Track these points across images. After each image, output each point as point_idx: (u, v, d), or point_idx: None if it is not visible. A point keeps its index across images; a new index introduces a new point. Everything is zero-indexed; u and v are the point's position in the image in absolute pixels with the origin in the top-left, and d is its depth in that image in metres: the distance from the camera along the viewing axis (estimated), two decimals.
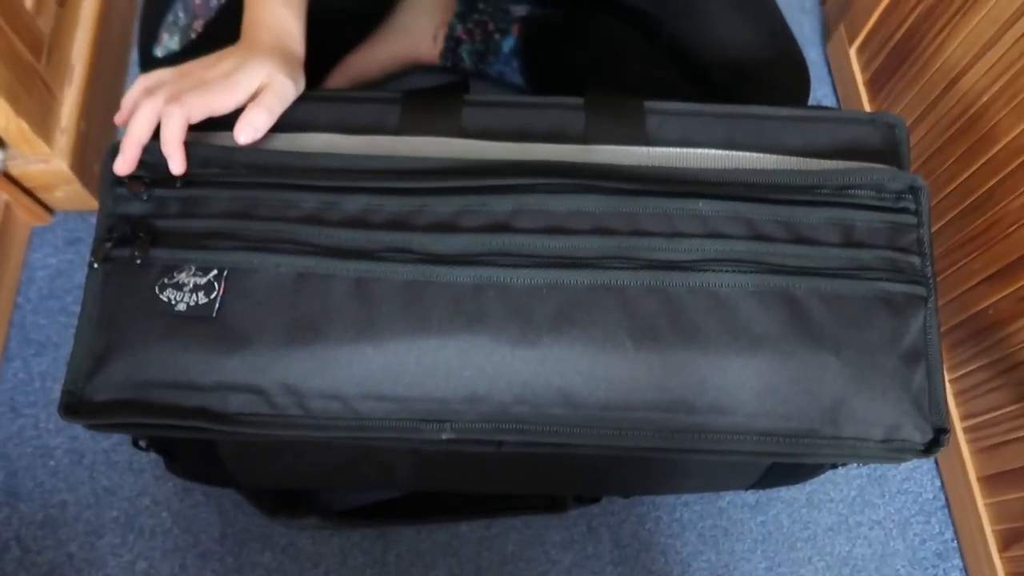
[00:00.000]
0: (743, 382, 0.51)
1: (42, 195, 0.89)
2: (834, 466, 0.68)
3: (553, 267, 0.52)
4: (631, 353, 0.51)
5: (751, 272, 0.53)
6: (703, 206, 0.54)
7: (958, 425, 0.86)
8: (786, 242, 0.54)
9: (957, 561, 0.84)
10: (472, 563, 0.80)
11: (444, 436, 0.52)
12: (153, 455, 0.81)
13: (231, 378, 0.50)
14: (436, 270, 0.51)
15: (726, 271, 0.53)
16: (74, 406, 0.51)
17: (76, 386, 0.51)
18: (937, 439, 0.54)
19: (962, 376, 0.85)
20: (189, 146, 0.53)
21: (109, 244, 0.52)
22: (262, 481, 0.68)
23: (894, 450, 0.53)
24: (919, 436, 0.53)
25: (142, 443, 0.60)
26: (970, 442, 0.85)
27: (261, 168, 0.54)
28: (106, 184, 0.54)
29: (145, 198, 0.54)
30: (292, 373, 0.50)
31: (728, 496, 0.84)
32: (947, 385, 0.55)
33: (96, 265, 0.53)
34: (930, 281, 0.55)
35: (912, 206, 0.56)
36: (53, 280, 0.89)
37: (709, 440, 0.52)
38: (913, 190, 0.56)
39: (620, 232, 0.53)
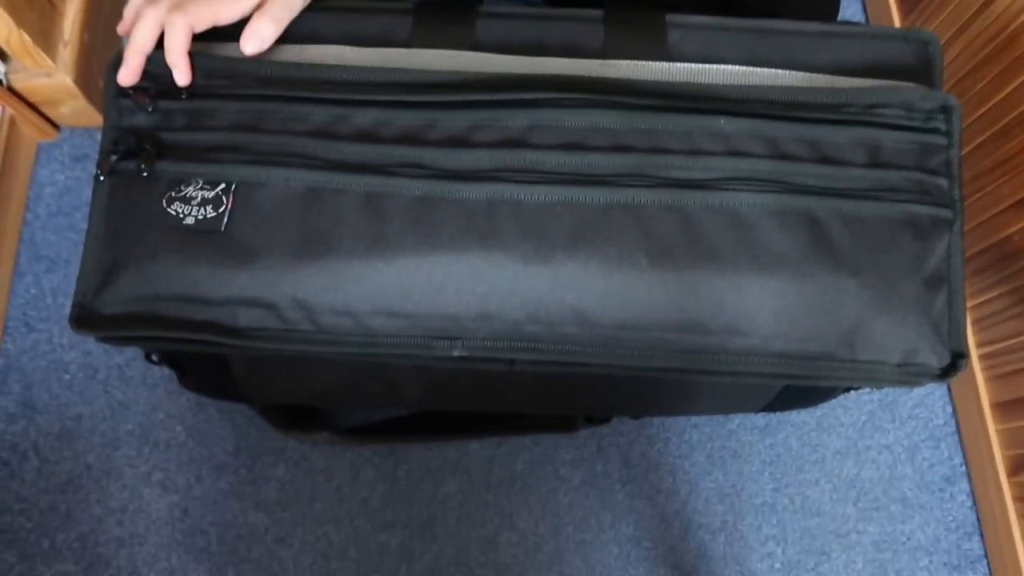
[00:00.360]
0: (760, 304, 0.50)
1: (47, 110, 0.88)
2: (847, 390, 0.67)
3: (568, 184, 0.51)
4: (647, 272, 0.50)
5: (772, 192, 0.51)
6: (725, 123, 0.52)
7: (974, 352, 0.85)
8: (810, 161, 0.52)
9: (964, 485, 0.85)
10: (482, 480, 0.81)
11: (456, 354, 0.51)
12: (166, 370, 0.81)
13: (240, 293, 0.50)
14: (448, 186, 0.50)
15: (746, 190, 0.51)
16: (84, 319, 0.51)
17: (86, 299, 0.51)
18: (954, 363, 0.53)
19: (981, 303, 0.84)
20: (194, 57, 0.52)
21: (115, 157, 0.52)
22: (273, 396, 0.68)
23: (910, 374, 0.53)
24: (936, 360, 0.53)
25: (154, 357, 0.60)
26: (985, 369, 0.84)
27: (268, 80, 0.52)
28: (110, 96, 0.53)
29: (150, 110, 0.53)
30: (302, 288, 0.50)
31: (738, 419, 0.85)
32: (966, 312, 0.54)
33: (102, 178, 0.52)
34: (957, 204, 0.53)
35: (943, 126, 0.54)
36: (61, 197, 0.88)
37: (723, 362, 0.51)
38: (945, 110, 0.53)
39: (638, 149, 0.52)
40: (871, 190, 0.52)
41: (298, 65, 0.53)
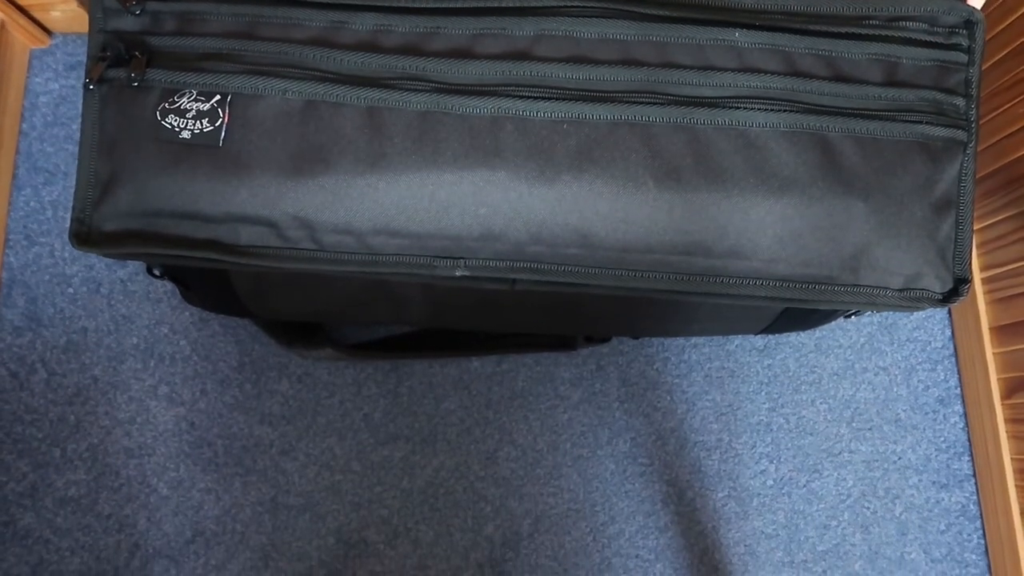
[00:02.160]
0: (766, 227, 0.50)
1: (38, 14, 0.85)
2: (848, 315, 0.68)
3: (575, 100, 0.49)
4: (652, 193, 0.49)
5: (784, 111, 0.50)
6: (739, 36, 0.50)
7: (977, 276, 0.85)
8: (824, 79, 0.51)
9: (958, 407, 0.86)
10: (482, 397, 0.82)
11: (458, 273, 0.51)
12: (169, 285, 0.82)
13: (241, 210, 0.49)
14: (451, 100, 0.49)
15: (758, 109, 0.50)
16: (84, 235, 0.51)
17: (84, 214, 0.51)
18: (956, 289, 0.52)
19: (988, 226, 0.83)
20: None
21: (103, 64, 0.50)
22: (276, 313, 0.69)
23: (911, 299, 0.52)
24: (939, 286, 0.52)
25: (156, 271, 0.60)
26: (988, 292, 0.84)
27: None
28: None
29: (137, 12, 0.50)
30: (303, 206, 0.49)
31: (736, 340, 0.85)
32: (973, 236, 0.53)
33: (92, 87, 0.50)
34: (972, 126, 0.52)
35: (965, 43, 0.52)
36: (57, 107, 0.86)
37: (725, 284, 0.51)
38: (969, 25, 0.52)
39: (648, 63, 0.50)
40: (885, 110, 0.51)
41: None
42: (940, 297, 0.53)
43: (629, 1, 0.50)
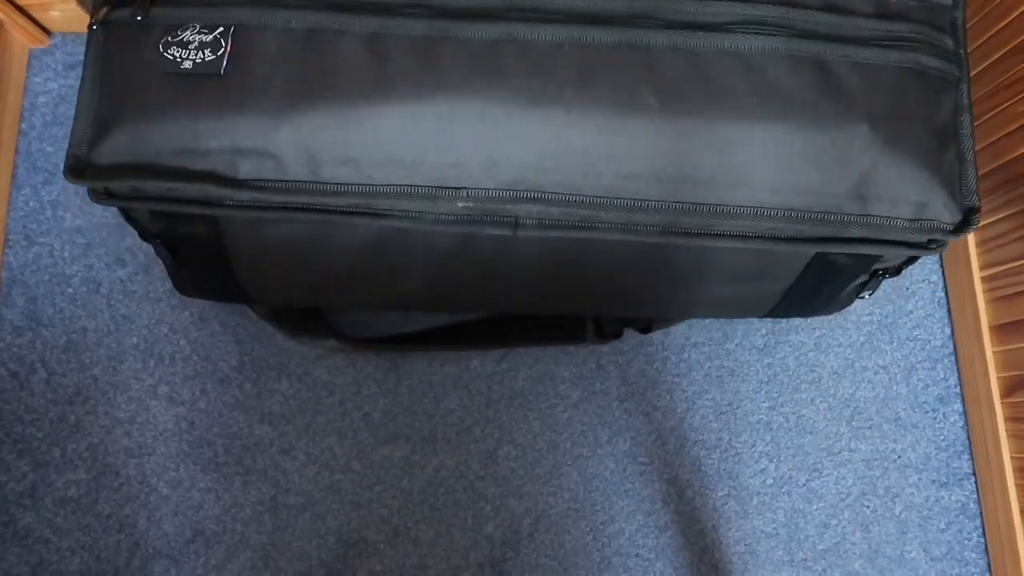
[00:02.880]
0: (769, 151, 0.50)
1: (37, 14, 0.85)
2: (860, 296, 0.67)
3: (577, 23, 0.49)
4: (656, 114, 0.49)
5: (782, 36, 0.51)
6: None
7: (977, 274, 0.85)
8: (816, 9, 0.52)
9: (958, 406, 0.86)
10: (482, 396, 0.82)
11: (460, 204, 0.50)
12: (169, 284, 0.82)
13: (241, 141, 0.49)
14: (453, 25, 0.49)
15: (756, 33, 0.51)
16: (79, 168, 0.50)
17: (81, 150, 0.50)
18: (967, 219, 0.52)
19: (987, 225, 0.83)
20: None
21: (109, 5, 0.50)
22: (274, 295, 0.67)
23: (923, 230, 0.52)
24: (948, 216, 0.52)
25: (153, 229, 0.58)
26: (987, 291, 0.84)
27: None
28: None
29: None
30: (304, 134, 0.49)
31: (736, 339, 0.85)
32: (976, 170, 0.54)
33: (96, 27, 0.50)
34: (964, 64, 0.53)
35: None
36: (56, 106, 0.86)
37: (729, 215, 0.51)
38: None
39: None
40: (879, 39, 0.52)
41: None
42: (951, 228, 0.52)
43: None
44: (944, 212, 0.52)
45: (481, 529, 0.80)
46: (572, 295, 0.68)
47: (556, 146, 0.49)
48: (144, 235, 0.59)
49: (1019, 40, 0.76)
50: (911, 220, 0.52)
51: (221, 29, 0.49)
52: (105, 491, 0.78)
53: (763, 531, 0.82)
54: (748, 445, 0.83)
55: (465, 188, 0.50)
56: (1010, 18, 0.77)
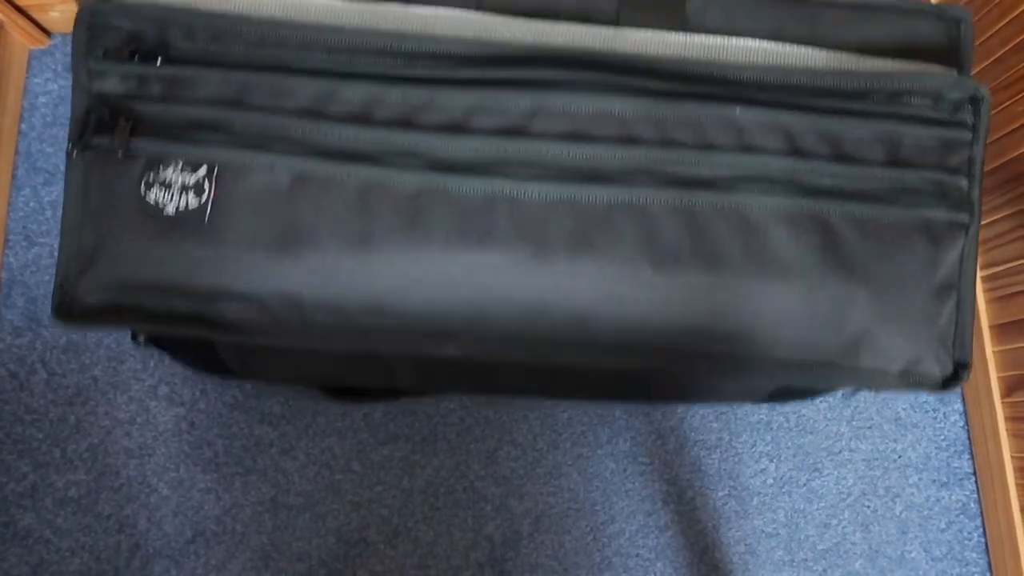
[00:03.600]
0: (765, 312, 0.49)
1: (37, 15, 0.85)
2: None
3: (572, 181, 0.48)
4: (650, 279, 0.48)
5: (784, 195, 0.49)
6: (740, 113, 0.49)
7: (977, 274, 0.85)
8: (826, 159, 0.49)
9: (958, 405, 0.86)
10: (482, 396, 0.82)
11: (450, 352, 0.49)
12: None
13: (226, 286, 0.48)
14: (445, 179, 0.47)
15: (758, 192, 0.49)
16: (67, 308, 0.49)
17: (67, 284, 0.49)
18: (956, 374, 0.52)
19: (987, 224, 0.83)
20: (173, 13, 0.47)
21: (87, 129, 0.48)
22: (265, 378, 0.67)
23: (910, 383, 0.52)
24: (939, 370, 0.51)
25: (140, 339, 0.57)
26: (987, 291, 0.84)
27: (254, 42, 0.48)
28: (78, 53, 0.48)
29: (124, 75, 0.48)
30: (290, 284, 0.48)
31: None
32: (974, 319, 0.53)
33: (75, 155, 0.48)
34: (975, 206, 0.51)
35: (969, 119, 0.51)
36: (56, 107, 0.86)
37: (723, 367, 0.50)
38: (974, 101, 0.51)
39: (647, 142, 0.49)
40: (887, 192, 0.50)
41: (288, 25, 0.48)
42: (939, 382, 0.52)
43: (628, 75, 0.49)
44: (935, 367, 0.51)
45: (481, 529, 0.80)
46: (566, 389, 0.68)
47: (547, 306, 0.48)
48: (133, 338, 0.58)
49: (1019, 39, 0.76)
50: (901, 373, 0.51)
51: (205, 169, 0.47)
52: (105, 492, 0.78)
53: (763, 531, 0.82)
54: (748, 445, 0.83)
55: (454, 338, 0.49)
56: (1010, 17, 0.77)
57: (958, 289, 0.51)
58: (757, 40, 0.51)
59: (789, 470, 0.83)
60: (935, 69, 0.52)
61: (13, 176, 0.85)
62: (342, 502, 0.79)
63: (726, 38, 0.51)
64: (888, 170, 0.50)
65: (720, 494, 0.82)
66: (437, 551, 0.79)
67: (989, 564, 0.83)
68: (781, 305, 0.49)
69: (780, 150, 0.49)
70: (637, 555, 0.80)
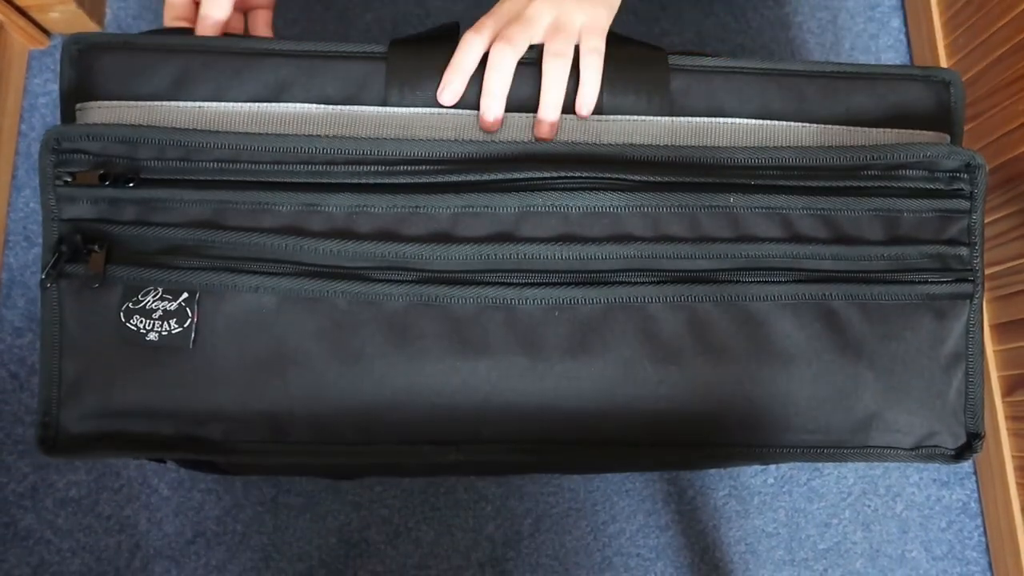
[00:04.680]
0: (771, 403, 0.48)
1: (37, 16, 0.85)
2: None
3: (566, 285, 0.47)
4: (651, 377, 0.47)
5: (785, 282, 0.48)
6: (734, 200, 0.48)
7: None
8: (824, 242, 0.48)
9: None
10: None
11: (450, 458, 0.48)
12: None
13: (215, 409, 0.46)
14: (434, 291, 0.46)
15: (757, 281, 0.48)
16: (51, 439, 0.47)
17: (50, 416, 0.47)
18: (970, 444, 0.51)
19: (988, 224, 0.83)
20: (140, 130, 0.46)
21: (60, 258, 0.46)
22: (258, 473, 0.65)
23: (923, 456, 0.51)
24: (951, 442, 0.51)
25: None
26: (988, 290, 0.84)
27: (228, 159, 0.47)
28: (46, 179, 0.46)
29: (95, 199, 0.46)
30: (279, 405, 0.46)
31: None
32: (983, 389, 0.52)
33: (49, 285, 0.46)
34: (978, 275, 0.50)
35: (967, 188, 0.50)
36: (56, 108, 0.86)
37: (730, 456, 0.49)
38: (970, 169, 0.49)
39: (641, 238, 0.47)
40: (888, 271, 0.49)
41: (261, 137, 0.46)
42: (952, 453, 0.51)
43: (618, 169, 0.47)
44: (948, 439, 0.50)
45: (482, 529, 0.80)
46: (569, 469, 0.67)
47: (547, 411, 0.47)
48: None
49: (1019, 38, 0.76)
50: (912, 449, 0.50)
51: (186, 296, 0.46)
52: (106, 492, 0.78)
53: (764, 530, 0.82)
54: None
55: (455, 445, 0.48)
56: (1010, 16, 0.77)
57: (966, 359, 0.50)
58: (744, 119, 0.50)
59: (789, 469, 0.83)
60: (927, 136, 0.52)
61: (13, 176, 0.85)
62: (343, 502, 0.79)
63: (712, 119, 0.50)
64: (888, 248, 0.49)
65: (720, 493, 0.82)
66: (438, 551, 0.79)
67: (990, 563, 0.83)
68: (788, 393, 0.48)
69: (778, 237, 0.48)
70: (638, 555, 0.80)
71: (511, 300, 0.46)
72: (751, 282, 0.48)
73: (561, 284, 0.47)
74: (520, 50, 0.48)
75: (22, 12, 0.84)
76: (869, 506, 0.83)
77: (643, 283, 0.47)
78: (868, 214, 0.49)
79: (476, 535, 0.79)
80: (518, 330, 0.47)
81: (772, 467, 0.83)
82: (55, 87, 0.87)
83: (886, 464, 0.84)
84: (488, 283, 0.46)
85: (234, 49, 0.48)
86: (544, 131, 0.48)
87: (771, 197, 0.48)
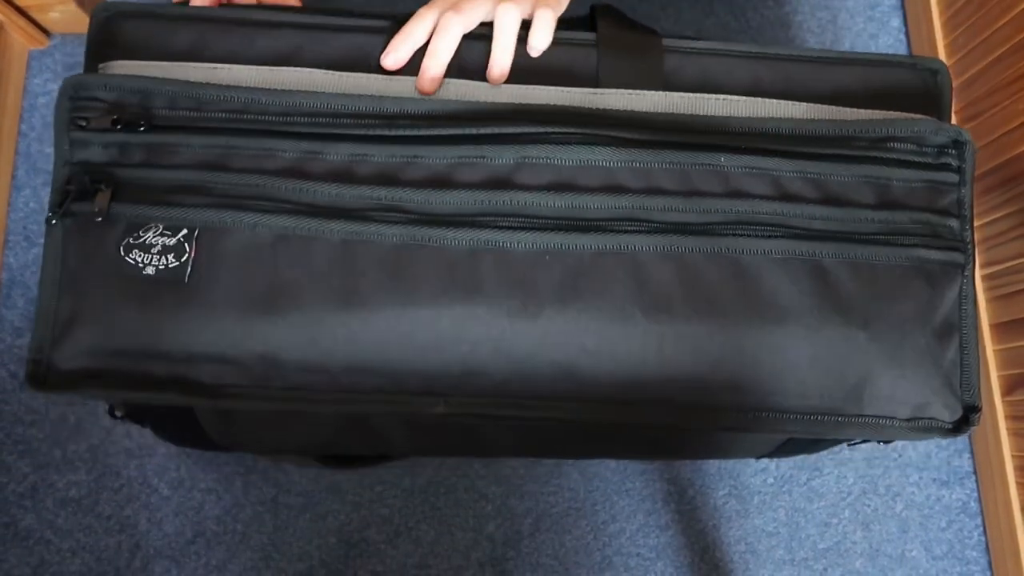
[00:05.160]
0: (761, 361, 0.48)
1: (37, 16, 0.85)
2: (853, 443, 0.66)
3: (558, 230, 0.47)
4: (641, 326, 0.47)
5: (775, 237, 0.48)
6: (725, 160, 0.48)
7: (977, 272, 0.85)
8: (815, 203, 0.49)
9: None
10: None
11: (438, 410, 0.48)
12: None
13: (206, 349, 0.47)
14: (428, 232, 0.47)
15: (748, 235, 0.48)
16: (41, 375, 0.47)
17: (42, 353, 0.47)
18: (967, 417, 0.51)
19: (987, 223, 0.83)
20: (156, 83, 0.47)
21: (68, 197, 0.47)
22: (250, 449, 0.66)
23: (920, 429, 0.50)
24: (947, 415, 0.50)
25: (117, 413, 0.56)
26: (987, 290, 0.84)
27: (237, 110, 0.48)
28: (60, 124, 0.47)
29: (106, 143, 0.48)
30: (271, 345, 0.47)
31: None
32: (979, 360, 0.52)
33: (54, 221, 0.47)
34: (969, 247, 0.50)
35: (955, 163, 0.50)
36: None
37: (721, 418, 0.49)
38: (957, 145, 0.50)
39: (632, 190, 0.48)
40: (879, 234, 0.49)
41: (269, 92, 0.48)
42: (950, 426, 0.51)
43: (611, 126, 0.48)
44: (944, 411, 0.50)
45: (482, 528, 0.80)
46: (560, 450, 0.67)
47: (537, 358, 0.47)
48: (110, 413, 0.56)
49: (1019, 38, 0.76)
50: (908, 420, 0.50)
51: (185, 232, 0.47)
52: (106, 492, 0.78)
53: (764, 530, 0.82)
54: None
55: (443, 396, 0.48)
56: (1010, 16, 0.77)
57: (960, 330, 0.51)
58: (735, 96, 0.52)
59: (789, 469, 0.83)
60: (917, 117, 0.52)
61: (13, 176, 0.85)
62: (343, 502, 0.79)
63: (704, 95, 0.51)
64: (878, 212, 0.50)
65: (720, 493, 0.82)
66: (438, 551, 0.79)
67: (989, 563, 0.83)
68: (779, 351, 0.48)
69: (768, 195, 0.49)
70: (638, 554, 0.80)
71: (503, 243, 0.47)
72: (741, 235, 0.48)
73: (553, 229, 0.47)
74: (469, 21, 0.49)
75: (22, 12, 0.84)
76: (869, 506, 0.83)
77: (634, 232, 0.48)
78: (857, 180, 0.50)
79: (476, 535, 0.80)
80: (510, 273, 0.47)
81: (772, 467, 0.83)
82: (55, 87, 0.87)
83: (886, 463, 0.84)
84: (481, 226, 0.47)
85: (249, 19, 0.51)
86: (495, 76, 0.50)
87: (761, 159, 0.49)
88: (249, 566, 0.78)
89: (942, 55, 0.90)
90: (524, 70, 0.50)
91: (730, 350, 0.48)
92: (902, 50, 0.97)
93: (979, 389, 0.51)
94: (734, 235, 0.48)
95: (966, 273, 0.51)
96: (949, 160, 0.51)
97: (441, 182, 0.48)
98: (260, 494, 0.79)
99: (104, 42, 0.50)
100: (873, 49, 0.97)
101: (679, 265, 0.48)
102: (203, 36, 0.50)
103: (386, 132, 0.48)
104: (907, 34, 0.97)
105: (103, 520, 0.78)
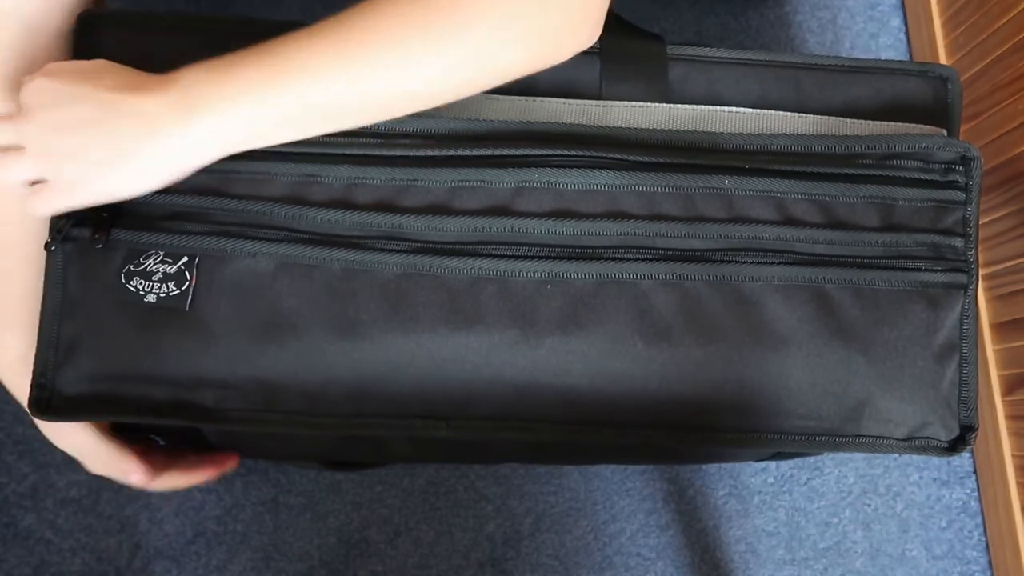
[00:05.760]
0: (762, 386, 0.48)
1: None
2: None
3: (559, 259, 0.47)
4: (642, 355, 0.47)
5: (778, 263, 0.48)
6: (729, 183, 0.48)
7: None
8: (819, 227, 0.49)
9: None
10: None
11: (440, 434, 0.48)
12: None
13: (208, 375, 0.47)
14: (429, 260, 0.47)
15: (750, 262, 0.48)
16: (45, 401, 0.48)
17: (46, 377, 0.48)
18: (963, 437, 0.51)
19: (987, 223, 0.83)
20: None
21: (67, 222, 0.47)
22: (255, 457, 0.66)
23: (916, 448, 0.51)
24: (944, 434, 0.51)
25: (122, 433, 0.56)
26: (987, 289, 0.84)
27: None
28: None
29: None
30: (273, 372, 0.47)
31: None
32: (978, 380, 0.52)
33: (54, 247, 0.47)
34: (972, 266, 0.50)
35: (962, 180, 0.50)
36: None
37: (720, 439, 0.49)
38: (965, 161, 0.50)
39: (635, 216, 0.48)
40: (882, 258, 0.49)
41: None
42: (946, 446, 0.51)
43: (614, 148, 0.48)
44: (941, 431, 0.50)
45: (482, 528, 0.80)
46: (561, 459, 0.67)
47: (538, 386, 0.47)
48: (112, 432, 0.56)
49: (1019, 38, 0.76)
50: (905, 439, 0.50)
51: (186, 259, 0.47)
52: (106, 492, 0.78)
53: (764, 530, 0.82)
54: None
55: (445, 420, 0.48)
56: (1010, 15, 0.77)
57: (960, 350, 0.50)
58: (741, 108, 0.51)
59: (790, 469, 0.83)
60: (923, 130, 0.52)
61: None
62: (343, 502, 0.79)
63: (710, 107, 0.51)
64: (882, 235, 0.49)
65: (721, 493, 0.82)
66: (438, 551, 0.79)
67: (990, 562, 0.83)
68: (780, 376, 0.48)
69: (772, 219, 0.49)
70: (638, 554, 0.80)
71: (504, 272, 0.47)
72: (744, 262, 0.48)
73: (554, 258, 0.47)
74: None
75: None
76: (869, 505, 0.83)
77: (636, 260, 0.47)
78: (863, 201, 0.49)
79: (476, 535, 0.80)
80: (511, 302, 0.47)
81: (772, 466, 0.83)
82: None
83: (886, 463, 0.84)
84: (482, 255, 0.47)
85: (233, 28, 0.50)
86: None
87: (766, 181, 0.48)
88: (249, 566, 0.78)
89: (942, 55, 0.90)
90: (527, 81, 0.49)
91: (731, 376, 0.48)
92: (902, 50, 0.97)
93: (977, 409, 0.51)
94: (737, 262, 0.48)
95: (968, 293, 0.50)
96: (956, 177, 0.50)
97: (441, 209, 0.47)
98: (260, 494, 0.79)
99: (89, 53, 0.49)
100: (873, 49, 0.97)
101: (681, 293, 0.48)
102: (185, 52, 0.49)
103: (384, 152, 0.47)
104: (907, 34, 0.97)
105: (103, 520, 0.78)
